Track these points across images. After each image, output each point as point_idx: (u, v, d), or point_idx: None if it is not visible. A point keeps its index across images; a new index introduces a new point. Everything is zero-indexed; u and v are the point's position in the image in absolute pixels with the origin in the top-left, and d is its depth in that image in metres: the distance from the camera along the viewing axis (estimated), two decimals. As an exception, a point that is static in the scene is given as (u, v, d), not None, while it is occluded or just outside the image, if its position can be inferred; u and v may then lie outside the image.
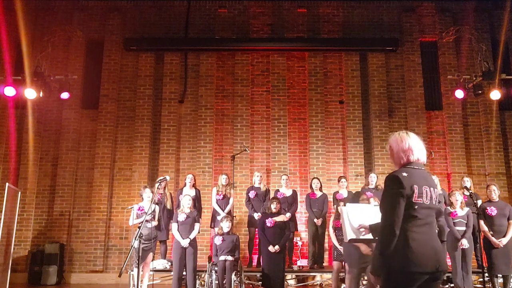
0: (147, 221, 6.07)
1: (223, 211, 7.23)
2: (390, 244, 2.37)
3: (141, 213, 6.31)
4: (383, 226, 2.46)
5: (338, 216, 6.36)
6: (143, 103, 9.16)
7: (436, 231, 2.55)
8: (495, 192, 6.11)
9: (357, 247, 5.36)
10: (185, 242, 6.18)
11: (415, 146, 2.58)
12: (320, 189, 7.58)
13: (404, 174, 2.47)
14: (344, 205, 6.41)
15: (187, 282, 6.25)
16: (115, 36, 9.46)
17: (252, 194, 7.34)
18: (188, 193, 7.01)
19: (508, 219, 5.98)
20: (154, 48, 9.43)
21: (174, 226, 6.39)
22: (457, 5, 9.73)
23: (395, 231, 2.37)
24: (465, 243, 5.88)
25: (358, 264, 5.40)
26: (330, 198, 7.70)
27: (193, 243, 6.29)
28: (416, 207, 2.41)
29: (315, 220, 7.29)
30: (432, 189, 2.50)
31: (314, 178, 7.80)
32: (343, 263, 6.20)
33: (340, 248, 6.17)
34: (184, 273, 6.29)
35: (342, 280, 6.26)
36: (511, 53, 9.56)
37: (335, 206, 6.64)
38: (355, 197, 7.03)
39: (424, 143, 2.68)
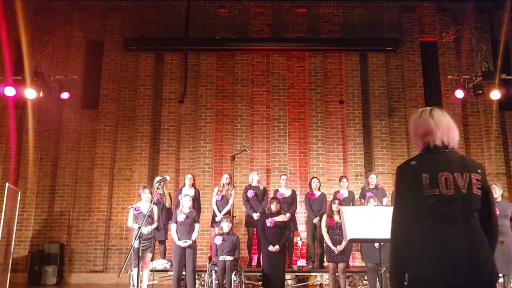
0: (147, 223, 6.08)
1: (220, 212, 7.20)
2: (397, 249, 2.00)
3: (138, 214, 6.31)
4: (391, 229, 2.06)
5: (331, 214, 6.38)
6: (143, 103, 9.16)
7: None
8: (495, 192, 6.10)
9: (373, 245, 5.44)
10: (184, 244, 6.17)
11: (438, 126, 2.06)
12: (319, 189, 7.58)
13: (413, 162, 2.06)
14: (340, 204, 6.45)
15: (186, 282, 6.25)
16: (115, 36, 9.46)
17: (250, 193, 7.33)
18: (187, 193, 7.01)
19: (511, 220, 5.95)
20: (154, 48, 9.43)
21: (173, 227, 6.38)
22: (457, 5, 9.73)
23: (397, 234, 2.00)
24: None
25: (374, 261, 5.50)
26: (330, 198, 7.69)
27: (192, 243, 6.28)
28: (430, 200, 1.93)
29: (315, 220, 7.29)
30: (459, 174, 1.96)
31: (313, 177, 7.80)
32: (337, 264, 6.22)
33: (334, 248, 6.17)
34: (184, 273, 6.28)
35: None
36: (511, 53, 9.55)
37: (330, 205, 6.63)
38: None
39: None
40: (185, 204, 6.40)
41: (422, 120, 2.12)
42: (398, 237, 2.01)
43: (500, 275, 6.02)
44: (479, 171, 2.02)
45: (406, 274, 1.92)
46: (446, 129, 2.07)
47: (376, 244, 5.23)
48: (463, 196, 1.94)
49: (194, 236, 6.31)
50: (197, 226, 6.40)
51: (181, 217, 6.30)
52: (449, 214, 1.92)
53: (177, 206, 7.04)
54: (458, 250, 1.86)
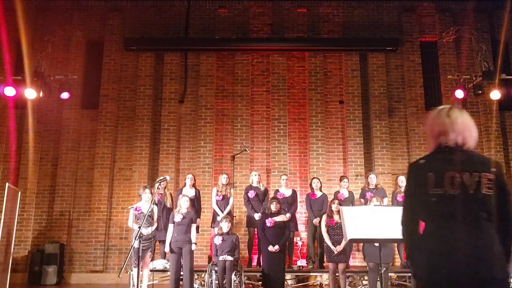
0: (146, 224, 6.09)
1: (223, 212, 7.22)
2: (408, 246, 2.07)
3: (139, 214, 6.30)
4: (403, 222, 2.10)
5: (331, 214, 6.38)
6: (143, 103, 9.16)
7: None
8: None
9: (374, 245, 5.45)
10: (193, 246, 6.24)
11: (453, 128, 2.02)
12: (320, 189, 7.58)
13: (422, 161, 2.07)
14: (341, 204, 6.45)
15: (183, 283, 6.20)
16: (115, 36, 9.46)
17: (251, 194, 7.32)
18: (188, 193, 7.00)
19: None
20: (154, 48, 9.43)
21: (170, 227, 6.35)
22: (457, 5, 9.73)
23: (406, 232, 2.04)
24: None
25: (376, 261, 5.53)
26: (330, 198, 7.69)
27: (189, 243, 6.22)
28: (434, 199, 1.94)
29: (314, 220, 7.29)
30: (468, 174, 1.93)
31: (314, 178, 7.80)
32: (337, 264, 6.22)
33: (334, 248, 6.17)
34: (182, 273, 6.26)
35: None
36: (511, 53, 9.56)
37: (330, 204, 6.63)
38: None
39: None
40: (183, 204, 6.37)
41: (438, 119, 2.08)
42: (406, 235, 2.05)
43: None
44: (493, 170, 1.97)
45: (415, 274, 1.96)
46: (462, 130, 2.03)
47: (377, 244, 5.24)
48: (470, 196, 1.91)
49: (194, 237, 6.28)
50: (193, 226, 6.36)
51: (178, 218, 6.27)
52: (454, 213, 1.89)
53: (177, 206, 7.04)
54: (461, 251, 1.83)
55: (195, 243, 6.27)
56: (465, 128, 2.04)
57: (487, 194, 1.92)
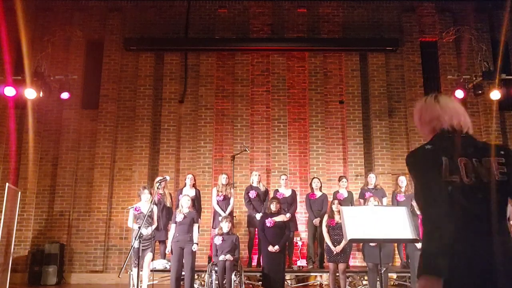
0: (146, 224, 6.09)
1: (224, 212, 7.21)
2: (433, 241, 1.67)
3: (138, 214, 6.31)
4: (423, 220, 1.78)
5: (332, 214, 6.39)
6: (143, 103, 9.16)
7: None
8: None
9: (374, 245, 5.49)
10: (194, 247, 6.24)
11: (445, 111, 1.84)
12: (320, 189, 7.58)
13: (429, 146, 1.78)
14: (340, 204, 6.46)
15: (184, 282, 6.22)
16: (115, 36, 9.46)
17: (252, 194, 7.33)
18: (188, 193, 7.01)
19: (509, 220, 5.96)
20: (154, 48, 9.43)
21: (172, 227, 6.37)
22: (457, 5, 9.74)
23: (434, 224, 1.67)
24: None
25: (375, 261, 5.56)
26: (330, 198, 7.69)
27: (190, 242, 6.24)
28: (449, 187, 1.64)
29: (314, 220, 7.28)
30: (478, 160, 1.68)
31: (314, 178, 7.80)
32: (338, 264, 6.22)
33: (334, 248, 6.18)
34: (183, 272, 6.27)
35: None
36: (511, 53, 9.55)
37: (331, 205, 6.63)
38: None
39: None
40: (184, 204, 6.38)
41: (427, 106, 1.90)
42: (428, 229, 1.74)
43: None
44: (502, 152, 1.73)
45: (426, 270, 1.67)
46: (455, 114, 1.84)
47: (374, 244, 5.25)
48: (486, 186, 1.64)
49: (196, 237, 6.29)
50: (195, 226, 6.37)
51: (179, 217, 6.28)
52: (473, 208, 1.62)
53: (177, 206, 7.04)
54: (491, 258, 1.55)
55: (197, 244, 6.27)
56: (458, 113, 1.86)
57: (502, 180, 1.66)
